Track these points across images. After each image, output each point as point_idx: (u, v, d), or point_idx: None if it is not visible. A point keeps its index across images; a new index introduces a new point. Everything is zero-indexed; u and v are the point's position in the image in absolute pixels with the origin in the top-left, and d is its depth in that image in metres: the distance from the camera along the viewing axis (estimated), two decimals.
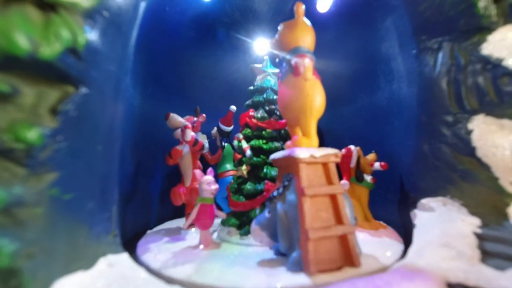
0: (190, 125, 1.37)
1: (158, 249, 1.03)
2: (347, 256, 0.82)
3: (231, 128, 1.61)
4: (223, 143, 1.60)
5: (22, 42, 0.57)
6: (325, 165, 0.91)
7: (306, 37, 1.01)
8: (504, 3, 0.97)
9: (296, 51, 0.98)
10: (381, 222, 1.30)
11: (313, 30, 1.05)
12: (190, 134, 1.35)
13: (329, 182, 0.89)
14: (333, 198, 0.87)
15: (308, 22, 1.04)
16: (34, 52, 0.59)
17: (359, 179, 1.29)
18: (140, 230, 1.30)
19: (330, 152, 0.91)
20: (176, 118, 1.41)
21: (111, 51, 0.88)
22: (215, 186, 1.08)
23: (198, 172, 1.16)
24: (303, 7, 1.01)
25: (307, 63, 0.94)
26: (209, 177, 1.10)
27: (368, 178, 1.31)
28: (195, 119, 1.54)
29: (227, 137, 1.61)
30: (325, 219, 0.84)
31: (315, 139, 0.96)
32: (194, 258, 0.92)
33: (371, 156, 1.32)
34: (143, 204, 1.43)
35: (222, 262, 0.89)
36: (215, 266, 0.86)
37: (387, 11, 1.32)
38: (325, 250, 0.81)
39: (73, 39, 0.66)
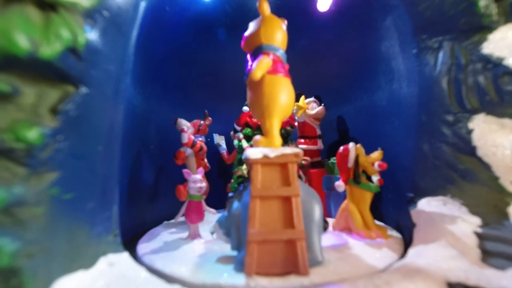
0: (185, 129, 1.46)
1: (158, 249, 1.03)
2: (294, 262, 0.75)
3: None
4: None
5: (22, 42, 0.57)
6: (283, 166, 0.85)
7: (270, 34, 0.97)
8: (504, 2, 0.96)
9: (259, 49, 0.96)
10: (385, 229, 1.16)
11: (281, 25, 1.00)
12: (186, 137, 1.43)
13: (286, 183, 0.83)
14: (287, 200, 0.81)
15: (275, 18, 1.00)
16: (34, 52, 0.59)
17: (357, 180, 1.17)
18: (140, 229, 1.30)
19: (287, 152, 0.85)
20: (182, 122, 1.51)
21: (111, 51, 0.88)
22: (200, 184, 1.17)
23: (185, 171, 1.22)
24: (265, 3, 0.98)
25: (262, 62, 0.91)
26: (196, 176, 1.19)
27: (374, 179, 1.17)
28: (202, 122, 1.62)
29: None
30: (274, 221, 0.80)
31: (275, 139, 0.91)
32: (194, 258, 0.92)
33: (376, 154, 1.19)
34: (143, 204, 1.43)
35: (221, 261, 0.89)
36: (215, 265, 0.86)
37: (387, 11, 1.32)
38: (268, 253, 0.77)
39: (73, 39, 0.66)
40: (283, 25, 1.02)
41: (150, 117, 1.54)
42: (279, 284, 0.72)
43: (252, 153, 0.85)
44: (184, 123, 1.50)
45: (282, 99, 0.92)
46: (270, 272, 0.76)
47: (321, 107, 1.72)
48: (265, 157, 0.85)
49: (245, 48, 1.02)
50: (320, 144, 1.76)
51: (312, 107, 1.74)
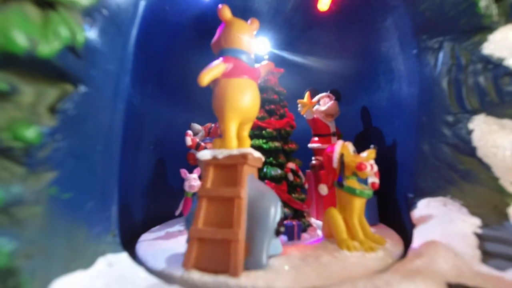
0: (189, 133, 1.55)
1: (157, 249, 1.03)
2: (228, 262, 0.76)
3: None
4: None
5: (21, 40, 0.57)
6: (233, 167, 0.87)
7: (231, 39, 0.98)
8: (505, 2, 0.96)
9: (220, 54, 0.99)
10: (381, 240, 0.98)
11: (245, 28, 1.00)
12: (188, 140, 1.53)
13: (232, 184, 0.84)
14: (231, 201, 0.82)
15: (239, 22, 1.00)
16: (32, 50, 0.59)
17: (340, 183, 1.02)
18: (139, 229, 1.29)
19: (234, 153, 0.87)
20: (194, 127, 1.64)
21: (110, 50, 0.88)
22: (190, 183, 1.30)
23: (182, 170, 1.34)
24: (224, 9, 0.99)
25: (210, 67, 0.93)
26: (191, 175, 1.32)
27: (370, 180, 1.02)
28: (213, 125, 1.69)
29: None
30: (217, 221, 0.82)
31: (231, 141, 0.92)
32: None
33: (367, 153, 1.02)
34: (142, 204, 1.43)
35: None
36: None
37: (388, 11, 1.32)
38: (207, 250, 0.80)
39: (72, 37, 0.66)
40: (251, 27, 1.02)
41: (150, 117, 1.54)
42: (208, 280, 0.74)
43: (203, 154, 0.89)
44: (196, 127, 1.63)
45: (237, 102, 0.93)
46: (208, 268, 0.78)
47: (331, 102, 1.57)
48: (214, 158, 0.88)
49: (215, 53, 1.05)
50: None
51: (324, 102, 1.59)
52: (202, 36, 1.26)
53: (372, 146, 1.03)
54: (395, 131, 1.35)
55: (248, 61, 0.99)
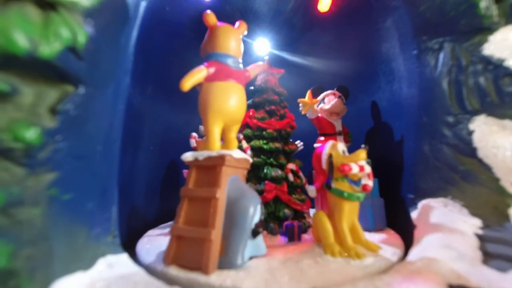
0: (193, 135, 1.54)
1: (158, 250, 1.02)
2: (202, 260, 0.79)
3: None
4: None
5: (21, 41, 0.57)
6: (213, 168, 0.90)
7: (215, 43, 1.02)
8: (505, 3, 0.96)
9: (205, 59, 1.03)
10: (375, 247, 0.93)
11: (230, 32, 1.03)
12: (193, 142, 1.54)
13: (211, 185, 0.87)
14: (208, 201, 0.85)
15: (224, 27, 1.03)
16: (33, 51, 0.59)
17: (328, 185, 0.98)
18: (140, 230, 1.29)
19: (213, 155, 0.90)
20: (201, 128, 1.62)
21: (111, 50, 0.88)
22: None
23: (185, 171, 1.32)
24: (209, 16, 1.02)
25: (191, 72, 0.97)
26: None
27: (362, 182, 0.95)
28: None
29: None
30: (196, 220, 0.86)
31: (213, 143, 0.95)
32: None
33: (358, 153, 0.96)
34: (143, 204, 1.43)
35: None
36: None
37: (388, 12, 1.32)
38: (185, 248, 0.84)
39: (72, 38, 0.66)
40: (237, 31, 1.05)
41: (150, 117, 1.54)
42: (182, 276, 0.78)
43: (187, 156, 0.94)
44: (202, 130, 1.65)
45: (219, 105, 0.96)
46: (185, 265, 0.81)
47: (335, 100, 1.48)
48: (196, 159, 0.92)
49: (203, 58, 1.08)
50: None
51: (329, 100, 1.51)
52: (202, 37, 1.26)
53: (362, 146, 0.99)
54: (396, 132, 1.35)
55: (233, 64, 1.02)
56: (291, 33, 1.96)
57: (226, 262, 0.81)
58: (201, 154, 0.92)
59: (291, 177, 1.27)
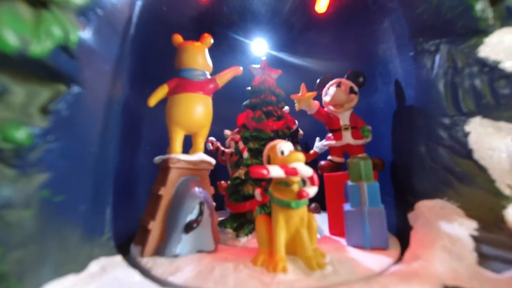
0: (210, 139, 1.75)
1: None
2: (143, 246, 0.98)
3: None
4: None
5: (12, 39, 0.56)
6: (166, 169, 1.07)
7: (178, 61, 1.19)
8: (501, 6, 0.97)
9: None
10: (321, 257, 0.86)
11: (189, 48, 1.19)
12: (209, 146, 1.76)
13: (161, 183, 1.05)
14: (158, 196, 1.03)
15: (185, 44, 1.20)
16: (24, 49, 0.57)
17: (266, 189, 0.89)
18: (134, 232, 1.27)
19: (165, 158, 1.08)
20: (224, 133, 1.86)
21: (105, 50, 0.86)
22: None
23: None
24: (174, 37, 1.20)
25: (155, 91, 1.17)
26: None
27: (296, 187, 0.84)
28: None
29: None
30: (150, 212, 1.05)
31: (173, 147, 1.14)
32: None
33: (289, 155, 0.85)
34: (137, 206, 1.41)
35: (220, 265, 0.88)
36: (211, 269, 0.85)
37: (385, 14, 1.32)
38: (143, 234, 1.02)
39: (65, 36, 0.65)
40: (200, 46, 1.21)
41: (147, 117, 1.52)
42: (132, 255, 0.97)
43: (156, 158, 1.14)
44: (226, 133, 1.87)
45: (177, 115, 1.14)
46: (141, 248, 0.99)
47: (334, 90, 1.29)
48: (157, 162, 1.14)
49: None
50: (346, 139, 1.29)
51: (330, 91, 1.33)
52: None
53: (297, 147, 0.92)
54: (392, 133, 1.35)
55: (195, 77, 1.16)
56: (288, 34, 1.96)
57: (161, 250, 0.95)
58: (160, 158, 1.11)
59: None
